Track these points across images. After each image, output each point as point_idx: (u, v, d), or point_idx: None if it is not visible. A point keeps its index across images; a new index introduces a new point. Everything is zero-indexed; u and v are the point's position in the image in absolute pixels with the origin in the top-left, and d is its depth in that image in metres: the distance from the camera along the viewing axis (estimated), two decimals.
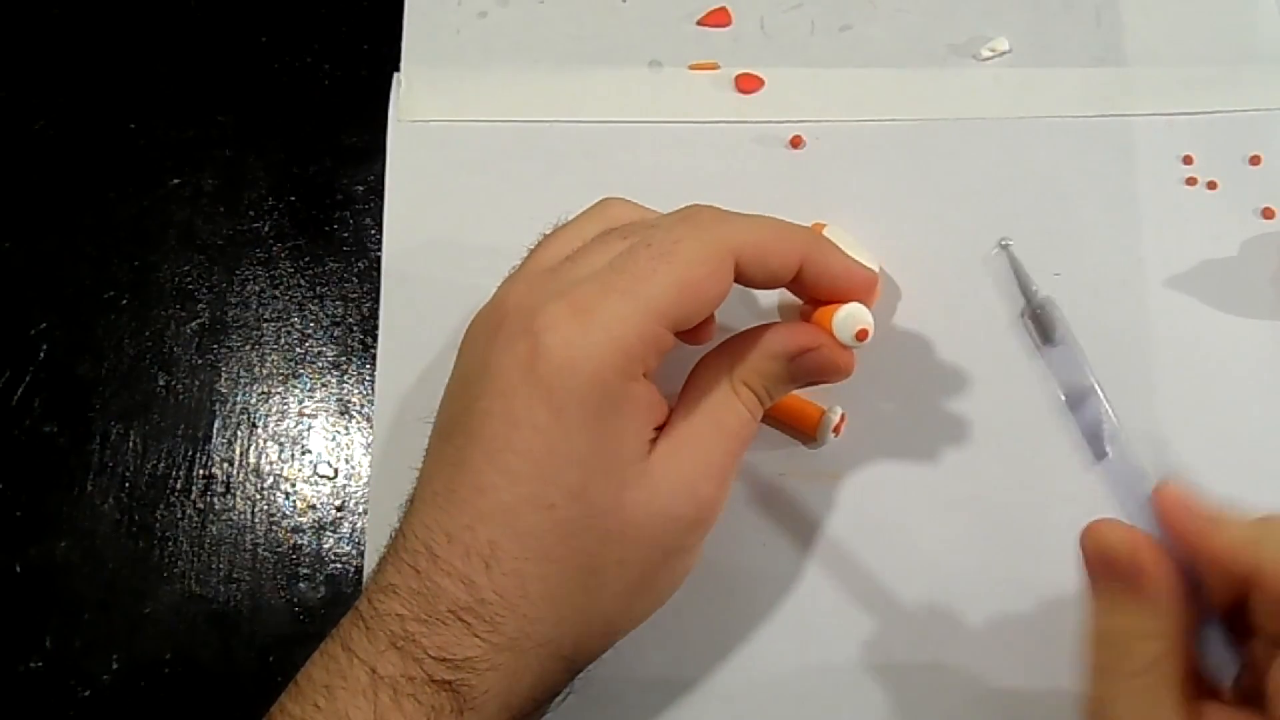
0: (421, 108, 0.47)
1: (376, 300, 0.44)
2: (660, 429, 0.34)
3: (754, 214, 0.35)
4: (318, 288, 0.46)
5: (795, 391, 0.41)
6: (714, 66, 0.47)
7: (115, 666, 0.41)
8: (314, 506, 0.43)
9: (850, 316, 0.36)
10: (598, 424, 0.32)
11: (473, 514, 0.32)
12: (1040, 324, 0.34)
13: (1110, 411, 0.33)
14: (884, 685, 0.40)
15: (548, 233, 0.37)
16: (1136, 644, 0.30)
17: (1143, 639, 0.30)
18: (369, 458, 0.43)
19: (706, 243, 0.33)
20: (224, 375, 0.44)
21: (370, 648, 0.31)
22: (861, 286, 0.36)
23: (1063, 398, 0.34)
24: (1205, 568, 0.30)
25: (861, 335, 0.36)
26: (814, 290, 0.36)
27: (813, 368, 0.36)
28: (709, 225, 0.33)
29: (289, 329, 0.45)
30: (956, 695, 0.40)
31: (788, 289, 0.36)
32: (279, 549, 0.42)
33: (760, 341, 0.36)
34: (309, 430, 0.44)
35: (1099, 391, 0.33)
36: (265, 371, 0.45)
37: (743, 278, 0.34)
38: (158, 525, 0.43)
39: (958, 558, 0.41)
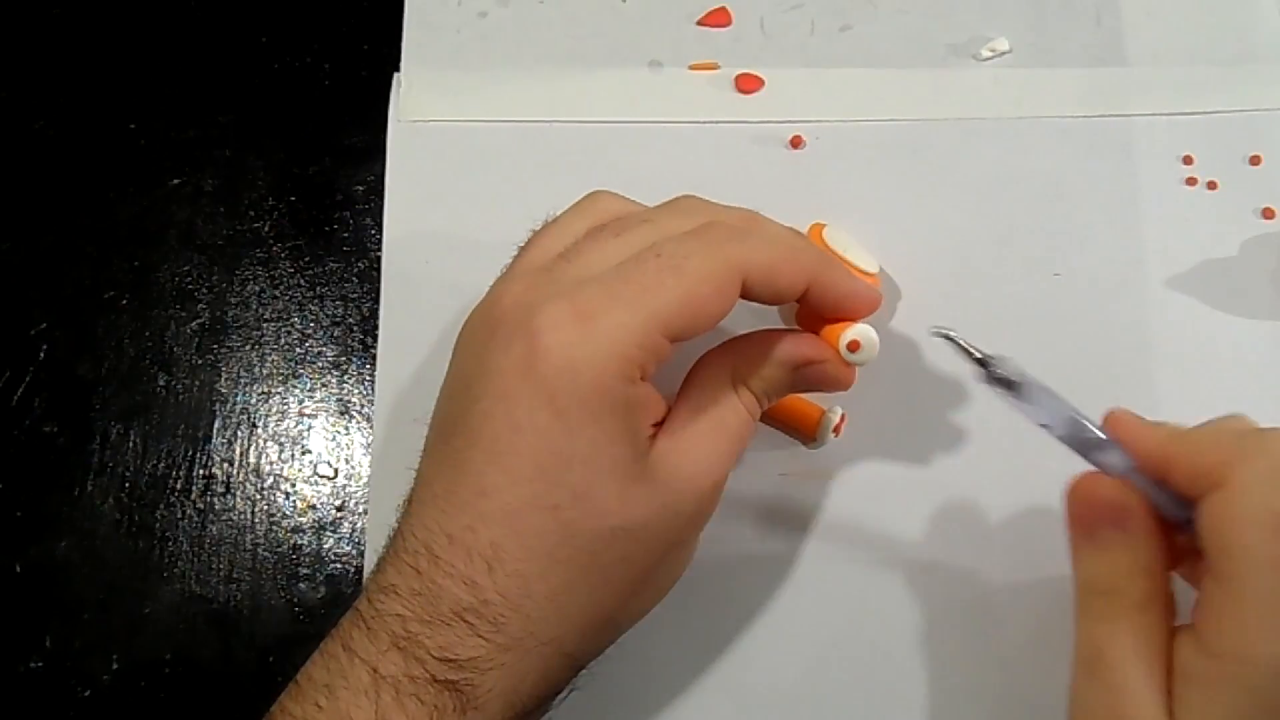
0: (421, 108, 0.47)
1: (376, 300, 0.44)
2: (658, 425, 0.34)
3: (766, 227, 0.35)
4: (318, 288, 0.46)
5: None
6: (714, 66, 0.47)
7: (115, 666, 0.41)
8: (314, 506, 0.43)
9: (857, 338, 0.36)
10: (599, 425, 0.32)
11: (474, 515, 0.32)
12: (1005, 385, 0.35)
13: (1094, 428, 0.34)
14: (881, 682, 0.40)
15: (537, 229, 0.37)
16: (1132, 581, 0.33)
17: (1137, 576, 0.33)
18: (369, 458, 0.43)
19: (716, 260, 0.33)
20: (224, 375, 0.44)
21: (371, 648, 0.31)
22: (866, 307, 0.36)
23: (1051, 432, 0.35)
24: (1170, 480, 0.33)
25: (868, 357, 0.36)
26: (819, 309, 0.36)
27: (815, 379, 0.36)
28: (720, 242, 0.33)
29: (289, 329, 0.45)
30: (953, 693, 0.40)
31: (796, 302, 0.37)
32: (279, 549, 0.42)
33: (766, 347, 0.36)
34: (309, 430, 0.44)
35: (1083, 421, 0.35)
36: (265, 371, 0.45)
37: (749, 295, 0.34)
38: (158, 525, 0.43)
39: (957, 557, 0.41)
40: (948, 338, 0.35)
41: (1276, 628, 0.29)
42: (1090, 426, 0.34)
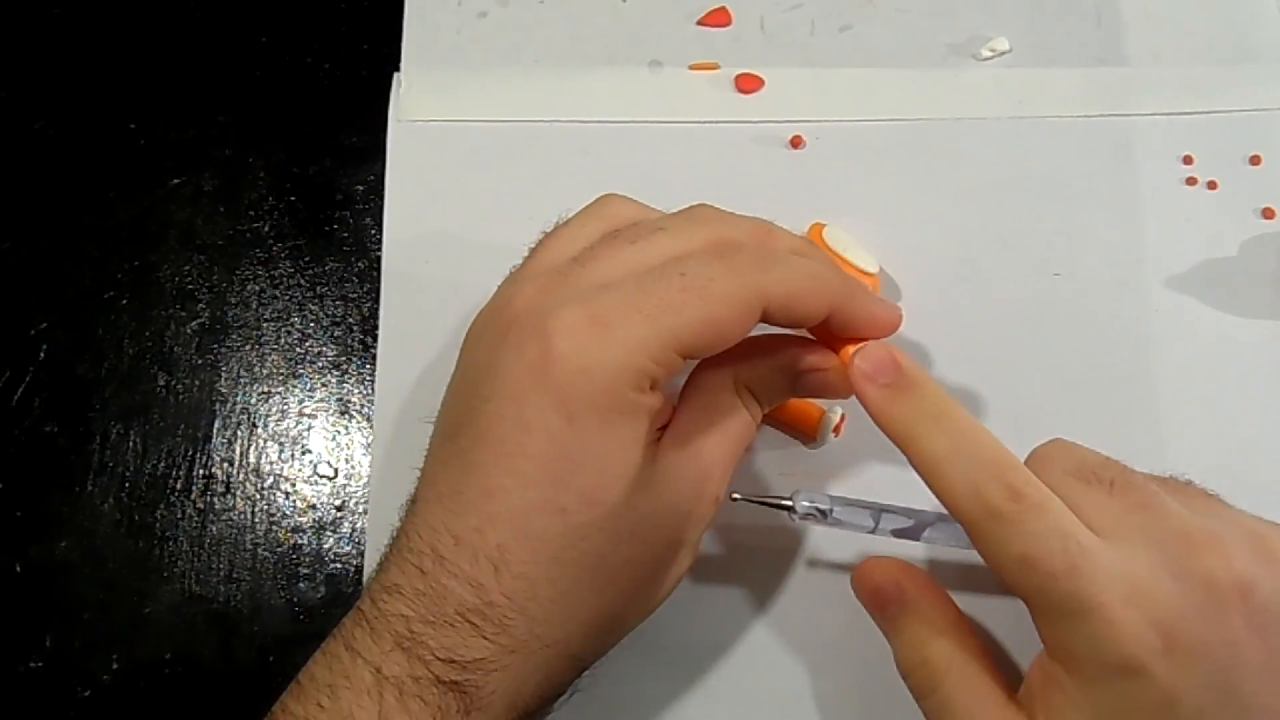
0: (421, 108, 0.47)
1: (376, 300, 0.44)
2: (662, 428, 0.34)
3: (792, 254, 0.35)
4: (318, 288, 0.46)
5: None
6: (714, 66, 0.48)
7: (115, 666, 0.41)
8: (314, 506, 0.43)
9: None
10: (609, 431, 0.32)
11: (481, 516, 0.32)
12: (812, 514, 0.37)
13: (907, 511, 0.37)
14: (882, 682, 0.40)
15: (548, 231, 0.37)
16: (930, 650, 0.33)
17: (933, 641, 0.33)
18: (369, 458, 0.43)
19: (741, 287, 0.32)
20: (224, 375, 0.44)
21: (375, 647, 0.31)
22: (887, 331, 0.36)
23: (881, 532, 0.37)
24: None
25: None
26: (838, 333, 0.36)
27: (817, 385, 0.36)
28: (746, 270, 0.33)
29: (289, 329, 0.45)
30: None
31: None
32: (279, 549, 0.42)
33: (769, 353, 0.36)
34: (309, 430, 0.44)
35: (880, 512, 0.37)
36: (265, 371, 0.45)
37: (767, 320, 0.34)
38: (158, 525, 0.43)
39: (958, 556, 0.41)
40: (746, 499, 0.38)
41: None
42: (905, 511, 0.37)
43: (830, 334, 0.36)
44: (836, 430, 0.42)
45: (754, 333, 0.37)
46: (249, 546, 0.42)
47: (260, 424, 0.44)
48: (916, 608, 0.34)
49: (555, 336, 0.31)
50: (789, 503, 0.37)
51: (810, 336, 0.37)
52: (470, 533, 0.32)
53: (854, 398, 0.39)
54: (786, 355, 0.36)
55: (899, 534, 0.37)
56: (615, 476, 0.32)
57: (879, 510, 0.37)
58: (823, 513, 0.37)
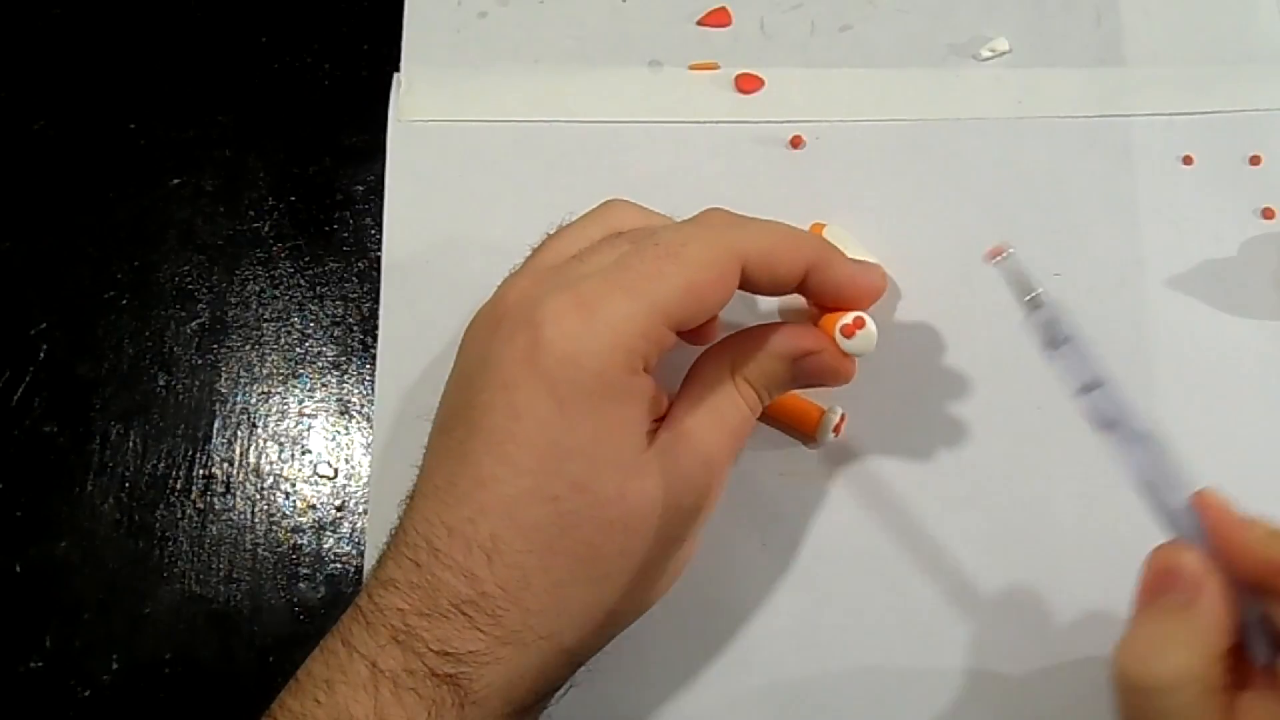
0: (421, 108, 0.47)
1: (376, 300, 0.44)
2: (660, 420, 0.34)
3: (763, 219, 0.35)
4: (318, 288, 0.46)
5: (796, 392, 0.41)
6: (714, 66, 0.48)
7: (115, 666, 0.41)
8: (314, 506, 0.43)
9: (851, 323, 0.36)
10: (600, 416, 0.32)
11: (474, 507, 0.32)
12: (1047, 330, 0.34)
13: (1123, 400, 0.33)
14: (884, 681, 0.40)
15: (551, 232, 0.37)
16: (1183, 655, 0.29)
17: (1187, 649, 0.30)
18: (369, 457, 0.43)
19: (714, 246, 0.33)
20: (224, 375, 0.44)
21: (371, 642, 0.31)
22: (868, 294, 0.36)
23: (1077, 394, 0.33)
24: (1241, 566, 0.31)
25: (864, 346, 0.36)
26: (819, 297, 0.36)
27: (814, 371, 0.36)
28: (718, 229, 0.33)
29: (289, 329, 0.45)
30: (958, 691, 0.40)
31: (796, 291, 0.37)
32: (279, 549, 0.42)
33: (764, 341, 0.36)
34: (309, 430, 0.44)
35: (1109, 383, 0.33)
36: (265, 371, 0.45)
37: (748, 283, 0.34)
38: (158, 525, 0.43)
39: (958, 557, 0.41)
40: (1010, 260, 0.33)
41: None
42: (1119, 405, 0.32)
43: (814, 301, 0.36)
44: (836, 430, 0.42)
45: (747, 325, 0.37)
46: (249, 546, 0.42)
47: (260, 424, 0.44)
48: (1193, 609, 0.30)
49: (544, 325, 0.32)
50: (1038, 291, 0.33)
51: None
52: (463, 523, 0.32)
53: (853, 398, 0.39)
54: (778, 340, 0.36)
55: (1094, 418, 0.33)
56: (606, 464, 0.32)
57: (1098, 381, 0.32)
58: (1056, 339, 0.33)
